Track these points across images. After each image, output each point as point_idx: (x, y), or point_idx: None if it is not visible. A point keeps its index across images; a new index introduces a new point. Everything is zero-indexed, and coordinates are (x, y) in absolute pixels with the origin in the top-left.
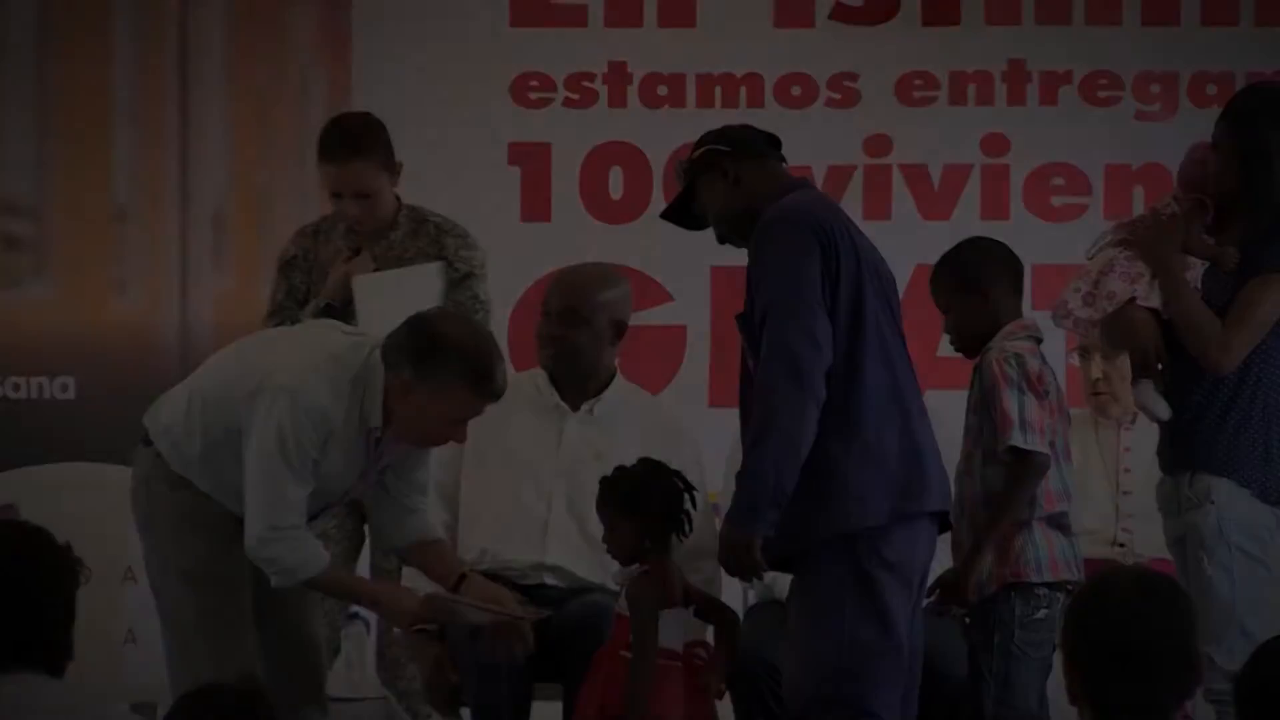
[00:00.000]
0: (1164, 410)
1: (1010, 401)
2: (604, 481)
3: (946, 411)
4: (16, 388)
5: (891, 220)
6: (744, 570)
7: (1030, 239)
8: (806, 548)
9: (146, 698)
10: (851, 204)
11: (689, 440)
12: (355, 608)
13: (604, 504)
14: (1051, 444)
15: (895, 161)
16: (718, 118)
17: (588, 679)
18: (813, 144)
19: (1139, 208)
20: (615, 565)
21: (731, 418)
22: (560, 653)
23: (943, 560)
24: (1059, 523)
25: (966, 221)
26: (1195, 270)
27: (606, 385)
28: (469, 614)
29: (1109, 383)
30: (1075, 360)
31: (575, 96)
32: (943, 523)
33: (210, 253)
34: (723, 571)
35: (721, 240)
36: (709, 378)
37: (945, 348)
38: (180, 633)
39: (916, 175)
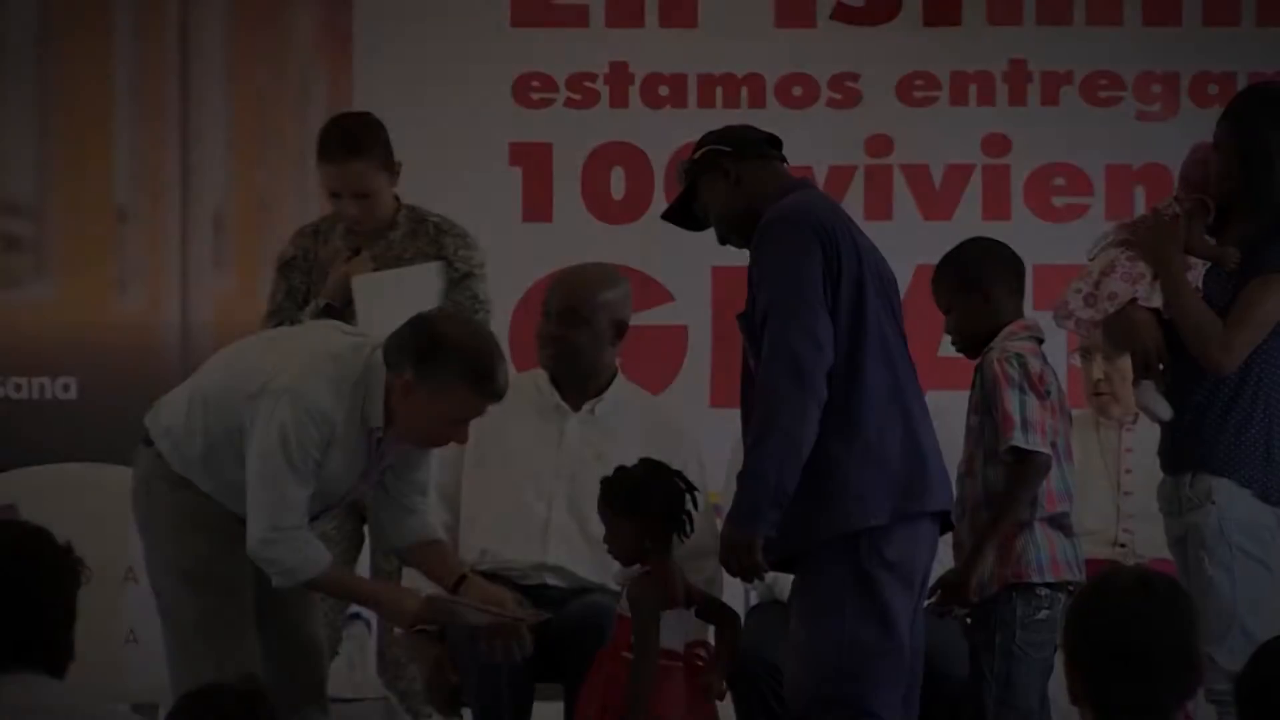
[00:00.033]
0: (1165, 411)
1: (1012, 402)
2: (605, 482)
3: (948, 412)
4: (17, 388)
5: (893, 220)
6: (745, 571)
7: (1031, 239)
8: (808, 548)
9: (147, 698)
10: (853, 204)
11: (689, 440)
12: (356, 608)
13: (605, 504)
14: (1053, 444)
15: (896, 161)
16: (719, 118)
17: (588, 679)
18: (814, 144)
19: (1140, 208)
20: (616, 565)
21: (733, 418)
22: (561, 653)
23: (944, 561)
24: (1060, 523)
25: (968, 221)
26: (1196, 270)
27: (607, 385)
28: (469, 615)
29: (1110, 383)
30: (1077, 361)
31: (577, 97)
32: (944, 523)
33: (211, 253)
34: (724, 571)
35: (723, 241)
36: (710, 378)
37: (946, 348)
38: (181, 633)
39: (918, 175)
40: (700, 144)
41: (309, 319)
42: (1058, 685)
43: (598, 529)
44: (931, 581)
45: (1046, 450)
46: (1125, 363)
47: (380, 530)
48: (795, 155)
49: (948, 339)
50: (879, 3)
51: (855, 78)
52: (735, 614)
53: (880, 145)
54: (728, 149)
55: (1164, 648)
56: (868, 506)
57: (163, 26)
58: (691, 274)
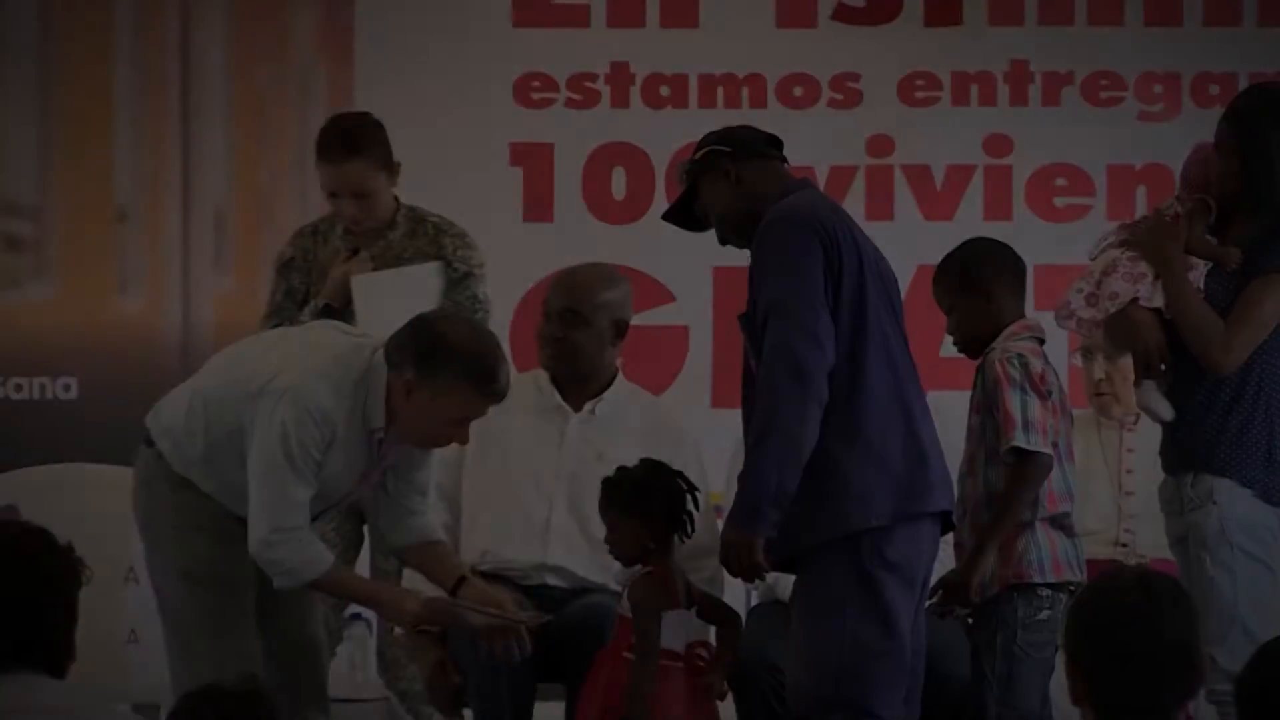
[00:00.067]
0: (1167, 411)
1: (1013, 402)
2: (606, 482)
3: (949, 412)
4: (18, 388)
5: (894, 221)
6: (746, 571)
7: (1033, 239)
8: (809, 548)
9: (148, 698)
10: (854, 204)
11: (690, 440)
12: (357, 608)
13: (606, 505)
14: (1054, 445)
15: (898, 162)
16: (720, 118)
17: (589, 680)
18: (815, 144)
19: (1142, 208)
20: (617, 565)
21: (734, 418)
22: (562, 653)
23: (945, 561)
24: (1061, 523)
25: (969, 222)
26: (1198, 270)
27: (608, 385)
28: (470, 617)
29: (1111, 383)
30: (1078, 361)
31: (577, 97)
32: (945, 523)
33: (212, 253)
34: (724, 571)
35: (723, 241)
36: (711, 378)
37: (948, 348)
38: (182, 633)
39: (919, 176)
40: (701, 144)
41: (308, 319)
42: (1059, 685)
43: (598, 529)
44: (933, 582)
45: (1048, 450)
46: (1126, 363)
47: (380, 531)
48: (796, 156)
49: (949, 339)
50: (880, 3)
51: (856, 78)
52: (736, 614)
53: (881, 145)
54: (728, 149)
55: (1165, 648)
56: (869, 507)
57: (163, 26)
58: (693, 274)
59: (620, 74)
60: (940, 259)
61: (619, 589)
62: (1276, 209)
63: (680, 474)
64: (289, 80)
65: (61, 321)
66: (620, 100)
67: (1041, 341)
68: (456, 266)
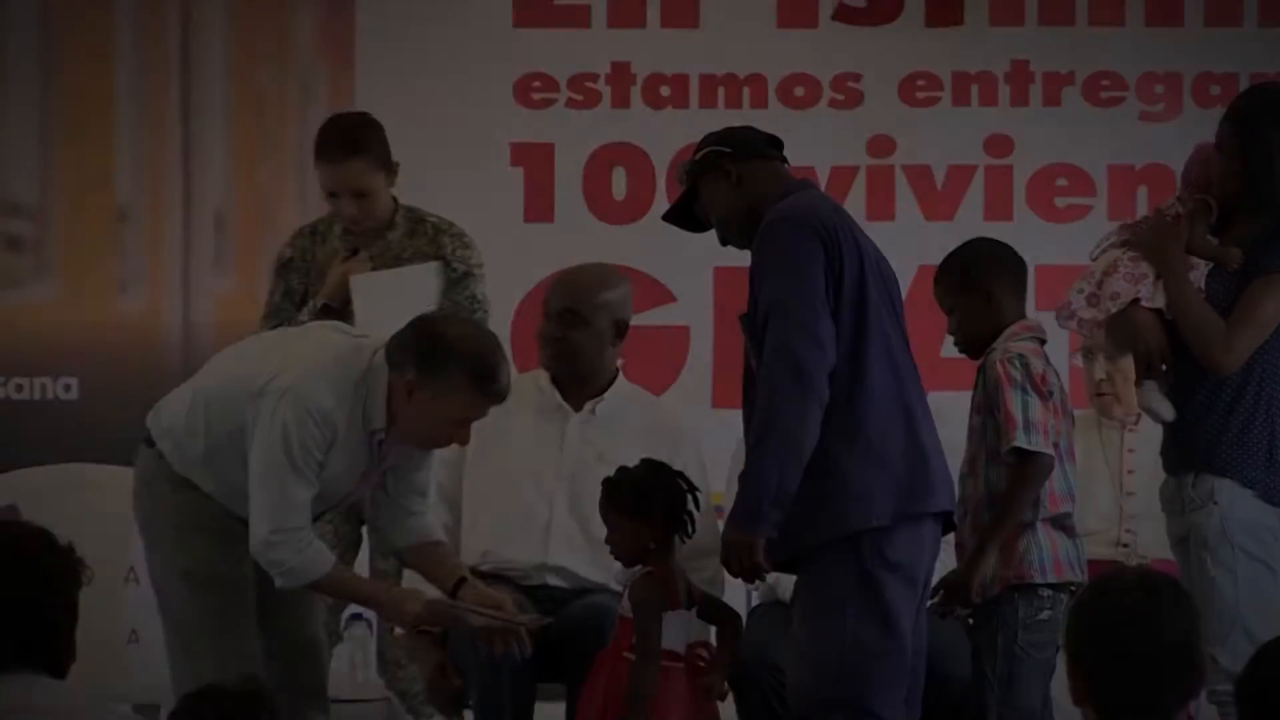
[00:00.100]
0: (1168, 411)
1: (1014, 402)
2: (607, 483)
3: (950, 413)
4: (19, 388)
5: (895, 221)
6: (746, 572)
7: (1034, 240)
8: (810, 548)
9: (149, 698)
10: (855, 205)
11: (690, 441)
12: (357, 609)
13: (607, 505)
14: (1055, 445)
15: (898, 162)
16: (721, 118)
17: (590, 680)
18: (816, 145)
19: (1143, 208)
20: (617, 566)
21: (735, 419)
22: (563, 654)
23: (946, 561)
24: (1063, 524)
25: (970, 222)
26: (1199, 271)
27: (608, 386)
28: (470, 619)
29: (1112, 383)
30: (1079, 361)
31: (578, 97)
32: (946, 523)
33: (212, 253)
34: (725, 571)
35: (724, 242)
36: (712, 379)
37: (949, 349)
38: (183, 633)
39: (920, 176)
40: (701, 145)
41: (307, 320)
42: (1060, 686)
43: (599, 529)
44: (934, 582)
45: (1049, 451)
46: (1127, 363)
47: (380, 532)
48: (797, 156)
49: (950, 340)
50: (881, 3)
51: (857, 78)
52: (736, 614)
53: (882, 146)
54: (728, 150)
55: (1166, 648)
56: (870, 507)
57: (164, 27)
58: (693, 274)
59: (621, 74)
60: (941, 259)
61: (620, 589)
62: (1277, 209)
63: (681, 474)
64: (289, 81)
65: (62, 322)
66: (621, 100)
67: (1043, 342)
68: (455, 266)
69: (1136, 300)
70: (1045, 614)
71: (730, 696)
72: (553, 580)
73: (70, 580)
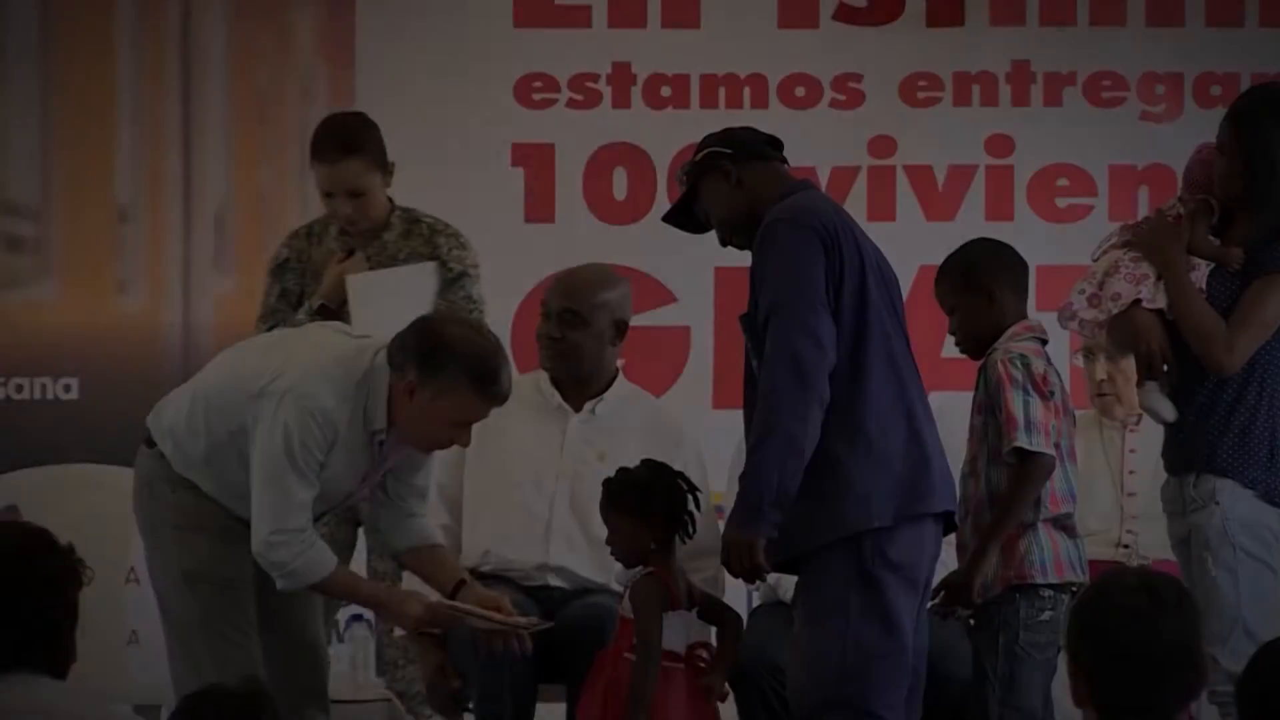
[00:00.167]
0: (1169, 412)
1: (1015, 403)
2: (607, 483)
3: (951, 413)
4: (19, 389)
5: (896, 221)
6: (746, 572)
7: (1035, 240)
8: (811, 549)
9: (149, 699)
10: (855, 205)
11: (690, 441)
12: (358, 609)
13: (607, 506)
14: (1056, 445)
15: (899, 162)
16: (721, 119)
17: (590, 680)
18: (817, 145)
19: (1144, 209)
20: (618, 566)
21: (736, 419)
22: (563, 654)
23: (947, 562)
24: (1064, 524)
25: (971, 222)
26: (1200, 271)
27: (608, 386)
28: (471, 621)
29: (1113, 384)
30: (1080, 361)
31: (579, 97)
32: (948, 524)
33: (212, 253)
34: (725, 572)
35: (724, 243)
36: (713, 379)
37: (950, 349)
38: (183, 634)
39: (921, 176)
40: (701, 146)
41: (304, 320)
42: (1061, 686)
43: (599, 529)
44: (935, 583)
45: (1050, 451)
46: (1129, 363)
47: (379, 534)
48: (798, 156)
49: (951, 340)
50: (882, 3)
51: (858, 78)
52: (737, 615)
53: (883, 146)
54: (728, 151)
55: (1167, 649)
56: (871, 507)
57: (164, 27)
58: (694, 275)
59: (622, 74)
60: (942, 259)
61: (620, 590)
62: (1278, 209)
63: (681, 475)
64: (289, 81)
65: (62, 322)
66: (622, 101)
67: (1044, 342)
68: (451, 266)
69: (1138, 301)
70: (1046, 614)
71: (731, 697)
72: (553, 581)
73: (70, 581)
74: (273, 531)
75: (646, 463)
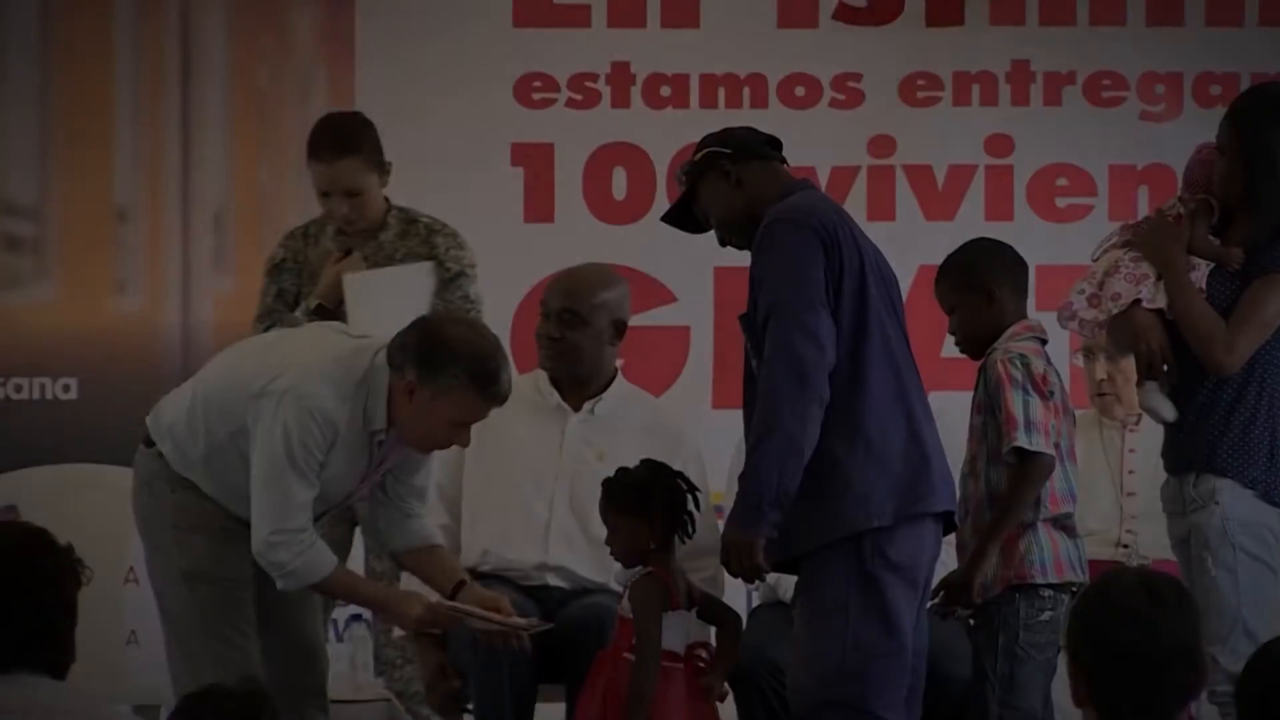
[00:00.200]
0: (1169, 412)
1: (1015, 403)
2: (607, 483)
3: (950, 413)
4: (18, 389)
5: (895, 221)
6: (746, 572)
7: (1034, 240)
8: (811, 549)
9: (149, 699)
10: (855, 205)
11: (689, 440)
12: (357, 609)
13: (607, 506)
14: (1056, 445)
15: (899, 162)
16: (721, 118)
17: (589, 680)
18: (816, 144)
19: (1144, 208)
20: (617, 566)
21: (735, 419)
22: (563, 654)
23: (946, 562)
24: (1064, 524)
25: (970, 222)
26: (1200, 271)
27: (607, 385)
28: (471, 622)
29: (1113, 383)
30: (1079, 361)
31: (578, 97)
32: (947, 523)
33: (212, 253)
34: (725, 571)
35: (723, 243)
36: (712, 378)
37: (949, 349)
38: (182, 634)
39: (920, 176)
40: (700, 146)
41: (302, 320)
42: (1061, 686)
43: (599, 529)
44: (934, 582)
45: (1050, 451)
46: (1128, 363)
47: (378, 534)
48: (797, 156)
49: (950, 340)
50: (881, 3)
51: (858, 78)
52: (736, 615)
53: (883, 146)
54: (727, 151)
55: (1167, 649)
56: (871, 507)
57: (163, 27)
58: (694, 274)
59: (621, 74)
60: (942, 259)
61: (620, 589)
62: (1278, 209)
63: (681, 475)
64: (289, 81)
65: (61, 322)
66: (621, 100)
67: (1044, 342)
68: (448, 266)
69: (1138, 301)
70: (1046, 614)
71: (730, 697)
72: (553, 580)
73: (69, 581)
74: (273, 531)
75: (646, 463)
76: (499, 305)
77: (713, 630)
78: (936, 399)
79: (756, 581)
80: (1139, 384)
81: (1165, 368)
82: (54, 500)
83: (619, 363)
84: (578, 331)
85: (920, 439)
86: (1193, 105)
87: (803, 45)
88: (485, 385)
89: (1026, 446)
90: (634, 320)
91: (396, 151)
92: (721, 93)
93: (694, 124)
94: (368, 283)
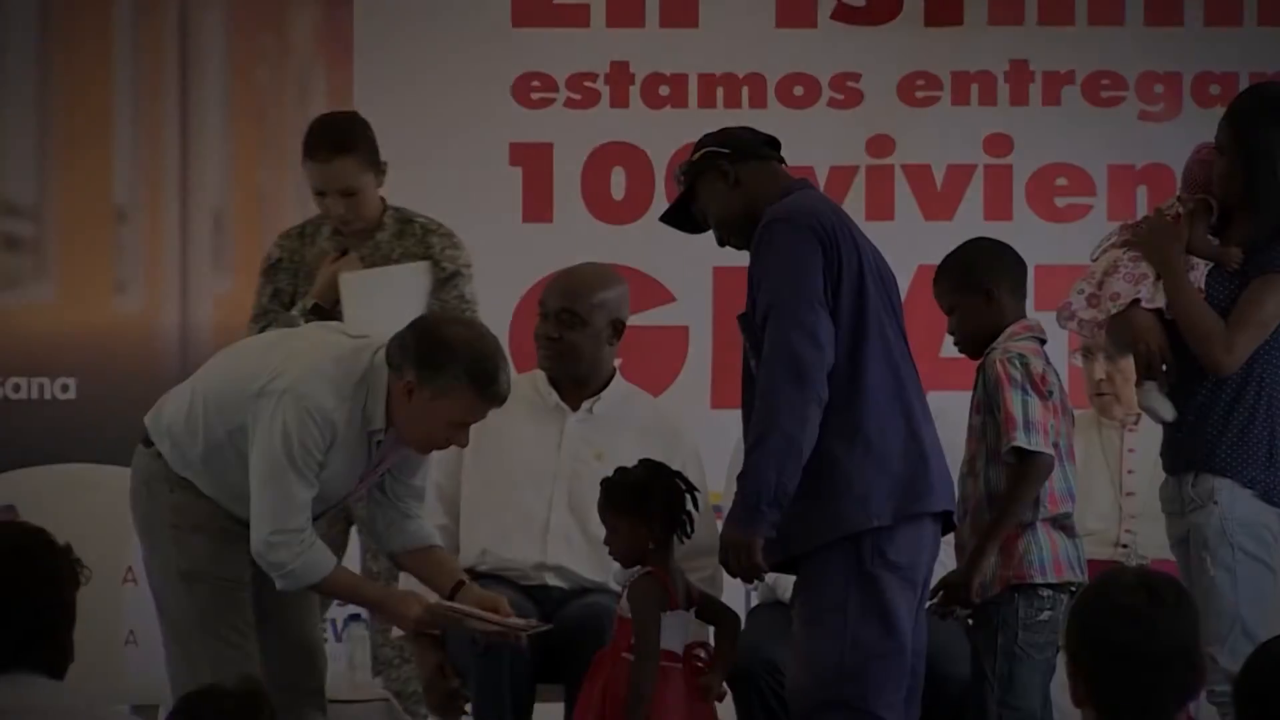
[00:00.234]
0: (1168, 411)
1: (1014, 402)
2: (605, 483)
3: (949, 412)
4: (17, 388)
5: (894, 221)
6: (745, 571)
7: (1033, 239)
8: (809, 549)
9: (147, 699)
10: (854, 204)
11: (688, 440)
12: (356, 609)
13: (605, 506)
14: (1055, 445)
15: (898, 162)
16: (720, 118)
17: (588, 680)
18: (815, 144)
19: (1142, 208)
20: (616, 565)
21: (734, 419)
22: (561, 654)
23: (945, 562)
24: (1063, 524)
25: (969, 222)
26: (1199, 270)
27: (605, 385)
28: (470, 622)
29: (1112, 383)
30: (1078, 361)
31: (577, 97)
32: (946, 523)
33: (211, 253)
34: (723, 571)
35: (722, 243)
36: (711, 378)
37: (948, 348)
38: (180, 634)
39: (919, 175)
40: (698, 146)
41: (298, 319)
42: (1060, 686)
43: (598, 529)
44: (933, 582)
45: (1049, 451)
46: (1127, 363)
47: (376, 535)
48: (796, 156)
49: (949, 339)
50: (880, 3)
51: (856, 78)
52: (735, 615)
53: (882, 145)
54: (726, 151)
55: (1165, 649)
56: (870, 507)
57: (162, 27)
58: (693, 274)
59: (620, 74)
60: (941, 259)
61: (618, 589)
62: (1277, 209)
63: (679, 474)
64: (288, 81)
65: (60, 322)
66: (620, 100)
67: (1042, 342)
68: (444, 266)
69: (1137, 301)
70: (1045, 614)
71: (729, 697)
72: (551, 580)
73: (68, 581)
74: (272, 532)
75: (644, 462)
76: (497, 305)
77: (711, 630)
78: (935, 399)
79: (755, 581)
80: (1138, 384)
81: (1164, 367)
82: (52, 500)
83: (617, 362)
84: (576, 331)
85: (919, 439)
86: (1192, 105)
87: (801, 45)
88: (485, 385)
89: (1025, 446)
90: (633, 320)
91: (395, 151)
92: (720, 92)
93: (693, 124)
94: (364, 282)
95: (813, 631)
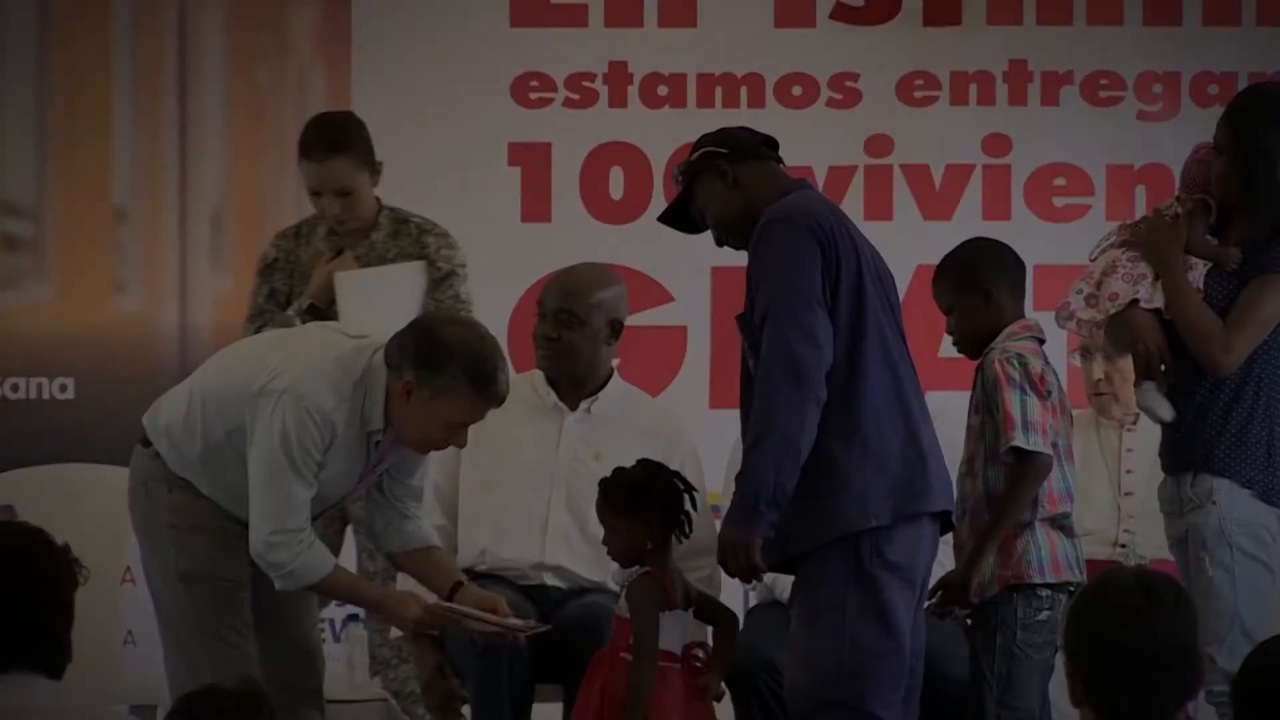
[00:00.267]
0: (1167, 411)
1: (1013, 402)
2: (604, 483)
3: (948, 412)
4: (15, 388)
5: (893, 221)
6: (743, 571)
7: (1032, 239)
8: (808, 549)
9: (145, 699)
10: (852, 204)
11: (686, 440)
12: (355, 609)
13: (604, 506)
14: (1054, 445)
15: (896, 162)
16: (718, 118)
17: (586, 680)
18: (814, 144)
19: (1141, 208)
20: (615, 565)
21: (732, 418)
22: (560, 654)
23: (944, 561)
24: (1061, 524)
25: (968, 222)
26: (1198, 270)
27: (604, 385)
28: (469, 623)
29: (1111, 383)
30: (1077, 361)
31: (575, 96)
32: (945, 523)
33: (209, 253)
34: (722, 571)
35: (720, 243)
36: (709, 378)
37: (947, 348)
38: (179, 634)
39: (918, 175)
40: (696, 146)
41: (294, 319)
42: (1059, 686)
43: (596, 529)
44: (932, 582)
45: (1047, 451)
46: (1126, 363)
47: (375, 535)
48: (795, 155)
49: (948, 339)
50: (879, 2)
51: (855, 77)
52: (733, 615)
53: (880, 145)
54: (724, 150)
55: (1164, 648)
56: (868, 507)
57: (162, 27)
58: (691, 274)
59: (618, 74)
60: (939, 259)
61: (617, 589)
62: (1276, 209)
63: (678, 474)
64: (287, 81)
65: (59, 322)
66: (618, 100)
67: (1041, 341)
68: (439, 265)
69: (1135, 301)
70: (1044, 614)
71: (727, 697)
72: (550, 580)
73: (66, 581)
74: (272, 532)
75: (643, 462)
76: (496, 305)
77: (710, 630)
78: (934, 399)
79: (753, 581)
80: (1136, 384)
81: (1163, 367)
82: (51, 500)
83: (616, 362)
84: (574, 331)
85: (918, 438)
86: (1190, 105)
87: (800, 45)
88: (483, 386)
89: (1024, 446)
90: (631, 320)
91: (393, 151)
92: (719, 92)
93: (691, 123)
94: (359, 282)
95: (811, 631)
